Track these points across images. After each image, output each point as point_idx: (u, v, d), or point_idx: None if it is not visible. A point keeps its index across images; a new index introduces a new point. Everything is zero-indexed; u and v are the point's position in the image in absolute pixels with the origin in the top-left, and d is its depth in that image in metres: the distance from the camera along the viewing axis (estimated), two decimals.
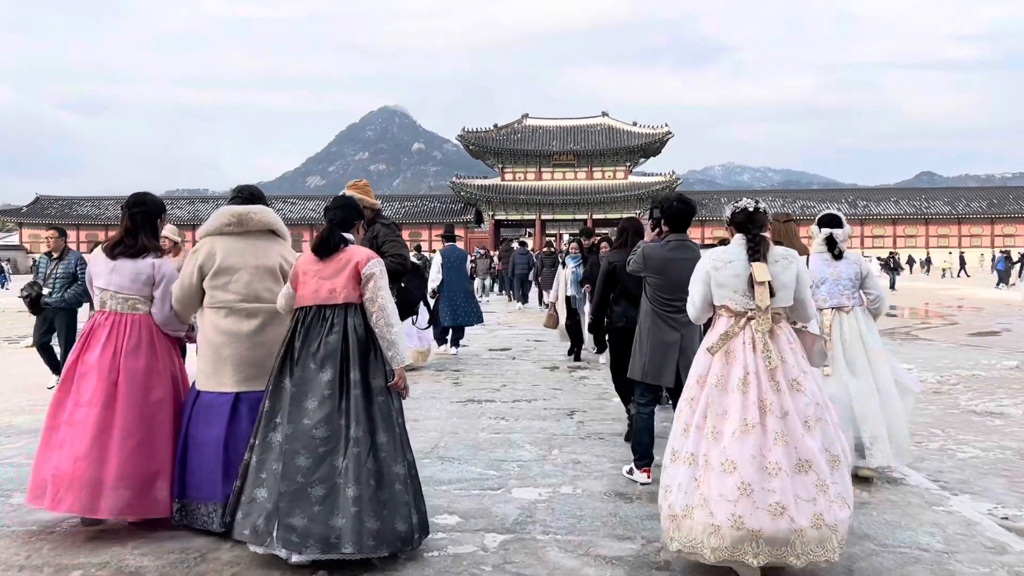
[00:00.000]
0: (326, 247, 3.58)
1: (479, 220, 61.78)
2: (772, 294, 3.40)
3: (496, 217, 61.21)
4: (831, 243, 4.99)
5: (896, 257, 39.07)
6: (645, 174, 63.42)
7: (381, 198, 79.82)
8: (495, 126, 64.62)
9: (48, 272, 7.67)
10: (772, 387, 3.31)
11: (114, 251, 3.97)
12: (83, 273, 6.83)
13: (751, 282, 3.40)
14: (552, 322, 10.57)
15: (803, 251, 5.37)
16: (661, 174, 62.12)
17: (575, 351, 10.43)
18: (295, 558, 3.34)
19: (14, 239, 65.40)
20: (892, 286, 31.84)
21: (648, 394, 4.81)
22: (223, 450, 3.70)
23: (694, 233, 58.72)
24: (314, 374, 3.45)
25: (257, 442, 3.54)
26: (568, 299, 10.15)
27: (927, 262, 53.43)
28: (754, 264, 3.38)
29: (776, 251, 3.53)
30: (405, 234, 55.65)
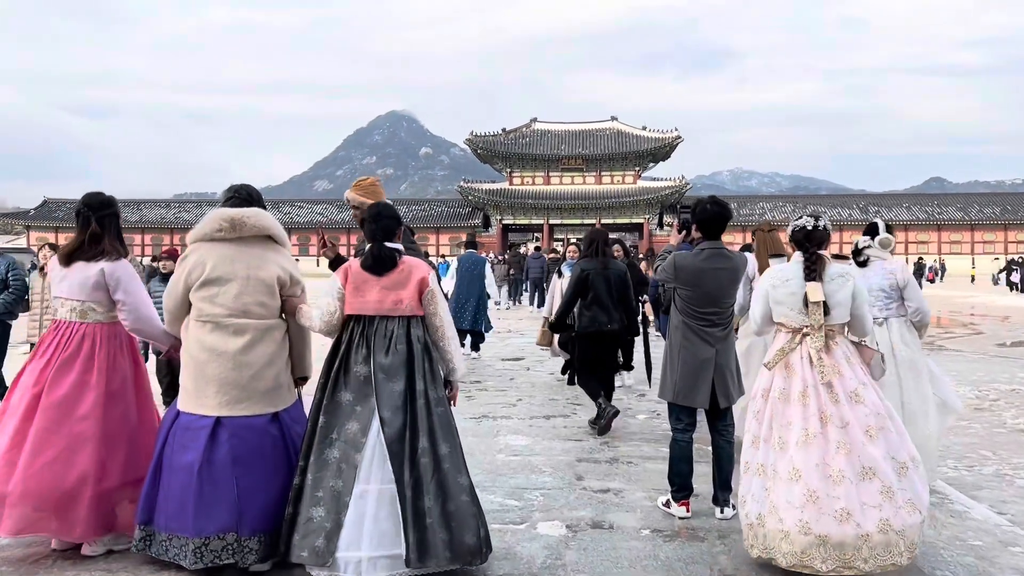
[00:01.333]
0: (383, 265, 3.48)
1: (487, 224, 61.72)
2: (827, 312, 3.55)
3: (504, 221, 61.14)
4: (856, 251, 5.06)
5: (923, 264, 38.92)
6: (654, 178, 63.21)
7: (389, 202, 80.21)
8: (503, 130, 64.72)
9: None
10: (831, 399, 3.47)
11: (71, 258, 3.73)
12: (16, 279, 6.45)
13: (807, 300, 3.54)
14: (546, 339, 8.87)
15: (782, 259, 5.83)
16: (670, 179, 61.77)
17: (571, 372, 8.91)
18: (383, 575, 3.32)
19: (22, 242, 66.07)
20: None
21: (684, 418, 4.36)
22: (196, 479, 3.37)
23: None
24: (384, 384, 3.38)
25: (311, 461, 3.39)
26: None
27: (942, 269, 53.07)
28: (808, 284, 3.54)
29: (833, 269, 3.66)
30: (416, 239, 55.31)
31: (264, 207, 3.79)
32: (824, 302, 3.52)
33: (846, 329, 3.74)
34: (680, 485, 4.31)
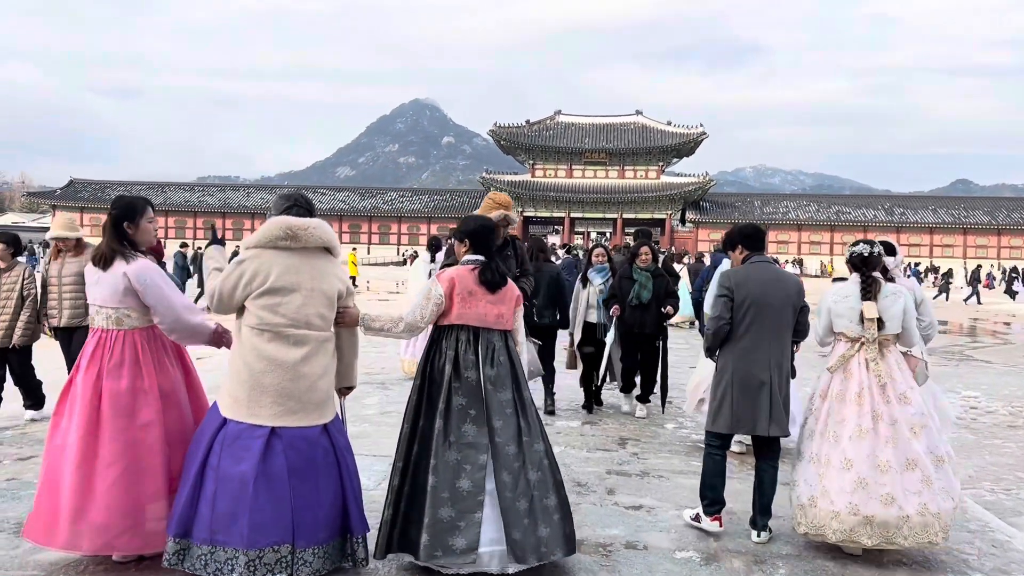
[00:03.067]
0: (501, 283, 3.68)
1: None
2: (881, 326, 4.09)
3: (525, 214, 60.91)
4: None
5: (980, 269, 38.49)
6: (678, 174, 62.96)
7: (410, 191, 78.83)
8: (527, 122, 64.84)
9: None
10: (883, 400, 4.00)
11: (96, 262, 3.69)
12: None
13: (863, 317, 4.10)
14: (575, 362, 7.50)
15: None
16: (694, 175, 61.57)
17: (590, 399, 7.42)
18: (510, 570, 3.43)
19: (47, 221, 66.88)
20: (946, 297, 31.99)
21: (719, 437, 4.32)
22: (252, 489, 3.28)
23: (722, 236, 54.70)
24: (492, 394, 3.55)
25: (433, 460, 3.48)
26: (591, 327, 7.26)
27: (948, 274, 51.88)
28: (865, 303, 4.08)
29: (887, 287, 4.17)
30: (433, 228, 53.66)
31: (313, 213, 3.75)
32: (878, 318, 4.09)
33: (897, 338, 4.29)
34: (712, 499, 4.32)
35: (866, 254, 4.19)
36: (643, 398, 7.35)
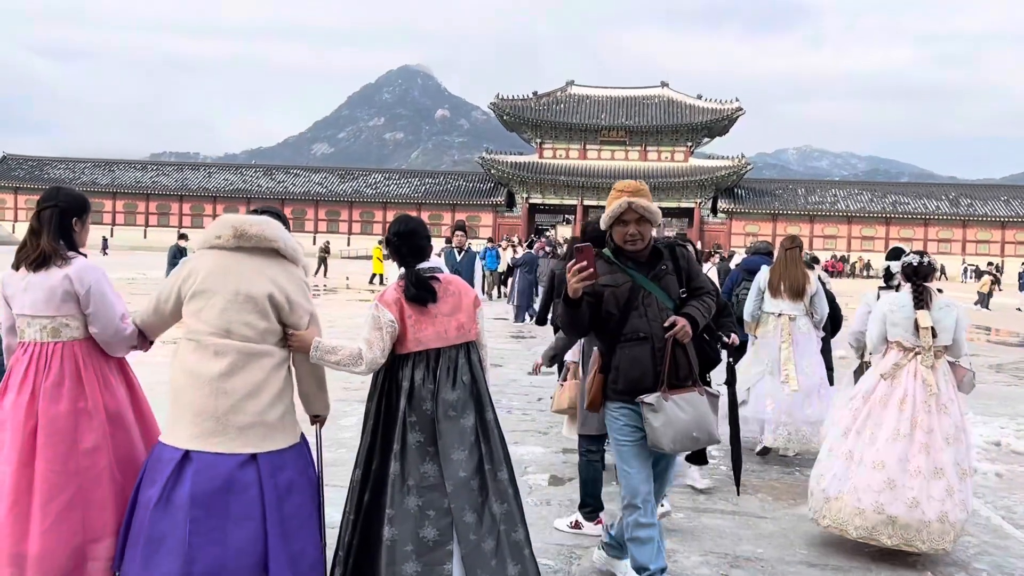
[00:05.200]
0: (426, 300, 3.60)
1: (511, 204, 62.84)
2: (934, 335, 4.80)
3: (531, 201, 62.16)
4: (888, 275, 6.27)
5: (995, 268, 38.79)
6: (709, 156, 64.76)
7: (397, 172, 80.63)
8: (534, 94, 65.96)
9: None
10: (924, 409, 4.72)
11: (22, 264, 3.70)
12: None
13: (917, 325, 4.83)
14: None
15: (800, 280, 6.84)
16: (727, 157, 62.66)
17: None
18: None
19: None
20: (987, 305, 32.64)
21: (599, 443, 5.19)
22: (149, 518, 3.34)
23: (765, 228, 53.33)
24: (451, 422, 3.59)
25: (390, 506, 3.55)
26: None
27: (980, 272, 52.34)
28: (918, 312, 4.82)
29: (940, 299, 4.93)
30: (424, 216, 54.70)
31: (288, 228, 3.83)
32: (932, 328, 4.81)
33: (947, 349, 5.03)
34: (595, 506, 5.14)
35: (916, 264, 4.93)
36: (698, 459, 7.90)
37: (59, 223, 3.70)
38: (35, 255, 3.66)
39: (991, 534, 5.45)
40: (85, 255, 3.83)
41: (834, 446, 4.99)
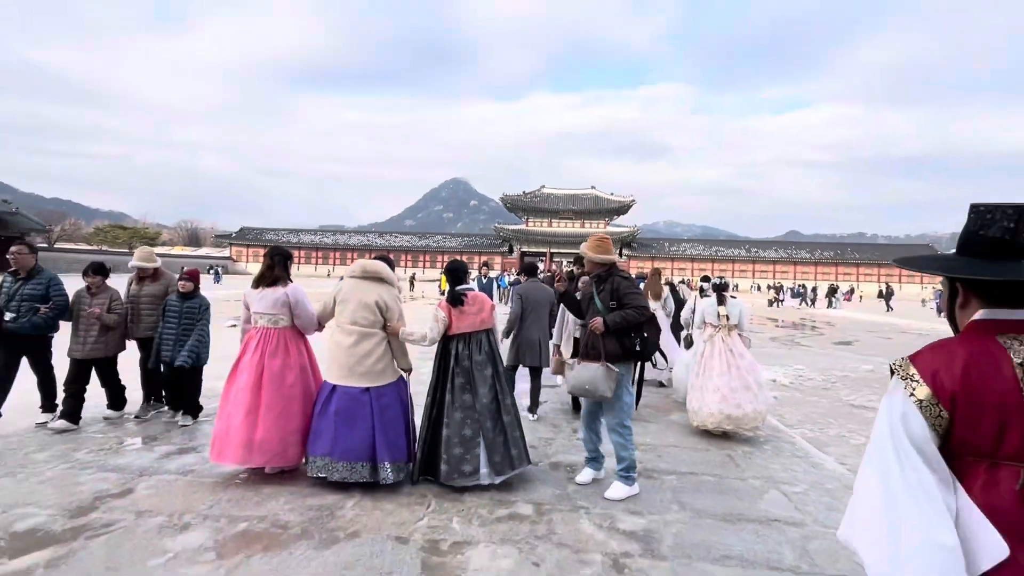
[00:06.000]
0: (459, 301, 4.00)
1: (511, 251, 69.42)
2: (728, 319, 5.67)
3: (522, 250, 67.86)
4: (702, 290, 7.23)
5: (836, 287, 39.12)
6: (618, 225, 69.64)
7: (449, 235, 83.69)
8: (524, 192, 71.96)
9: (12, 293, 5.24)
10: (730, 356, 5.56)
11: (257, 284, 4.11)
12: (58, 295, 5.28)
13: (719, 314, 5.69)
14: (562, 368, 6.41)
15: (657, 290, 7.88)
16: (627, 226, 68.61)
17: (576, 402, 6.60)
18: (496, 480, 3.80)
19: (226, 252, 74.88)
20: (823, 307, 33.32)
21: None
22: (315, 420, 4.03)
23: (647, 266, 64.00)
24: (479, 372, 3.91)
25: (446, 419, 3.84)
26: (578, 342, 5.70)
27: (814, 290, 47.21)
28: (719, 307, 5.76)
29: (731, 300, 5.80)
30: (464, 258, 54.49)
31: (392, 265, 4.24)
32: (727, 315, 5.63)
33: (735, 327, 5.60)
34: (534, 404, 5.90)
35: (717, 283, 5.94)
36: None
37: (283, 264, 4.22)
38: (270, 280, 4.14)
39: (771, 429, 5.99)
40: (292, 280, 4.22)
41: (692, 383, 5.58)
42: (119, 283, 6.00)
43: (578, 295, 4.37)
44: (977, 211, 1.53)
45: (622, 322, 3.88)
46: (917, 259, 1.65)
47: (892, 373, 1.53)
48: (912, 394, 1.48)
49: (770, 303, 36.52)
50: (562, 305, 5.32)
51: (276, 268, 4.27)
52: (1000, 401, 1.41)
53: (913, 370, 1.50)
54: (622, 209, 71.77)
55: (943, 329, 19.27)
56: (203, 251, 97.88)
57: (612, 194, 73.22)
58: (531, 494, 3.96)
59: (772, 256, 71.68)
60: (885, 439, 1.48)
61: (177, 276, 5.45)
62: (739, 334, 6.01)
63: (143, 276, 5.86)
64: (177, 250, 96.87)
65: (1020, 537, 1.38)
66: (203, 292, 5.83)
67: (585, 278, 4.34)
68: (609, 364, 3.91)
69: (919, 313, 32.48)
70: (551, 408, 6.60)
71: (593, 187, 75.40)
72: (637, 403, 4.78)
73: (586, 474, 4.23)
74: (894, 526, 1.41)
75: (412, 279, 42.88)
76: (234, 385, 4.12)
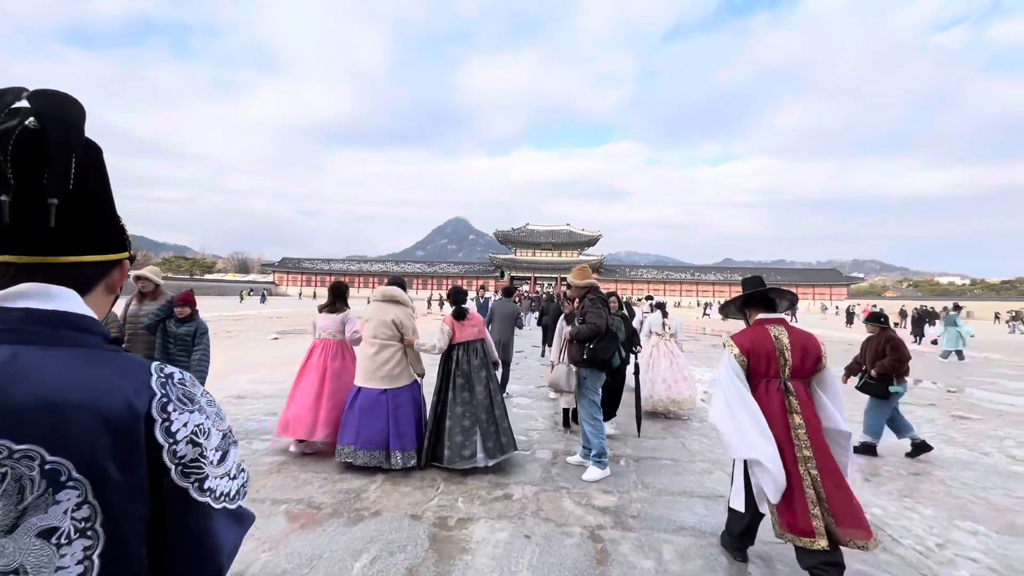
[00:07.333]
0: (464, 316, 4.01)
1: (502, 276, 69.07)
2: (670, 329, 5.89)
3: (511, 275, 67.49)
4: (652, 307, 7.09)
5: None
6: (588, 254, 70.37)
7: (452, 263, 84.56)
8: (512, 228, 72.64)
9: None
10: (672, 355, 5.85)
11: (322, 310, 4.31)
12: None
13: (664, 325, 5.93)
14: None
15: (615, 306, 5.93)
16: (596, 255, 68.80)
17: (567, 418, 5.28)
18: (490, 463, 3.70)
19: (270, 278, 74.27)
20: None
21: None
22: (345, 415, 3.95)
23: (611, 288, 62.70)
24: (476, 374, 3.88)
25: (449, 413, 3.76)
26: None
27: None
28: (664, 319, 5.96)
29: (673, 315, 6.07)
30: (463, 283, 58.04)
31: (404, 287, 4.33)
32: (670, 326, 5.85)
33: (674, 336, 5.86)
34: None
35: (662, 303, 6.30)
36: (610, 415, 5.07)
37: (342, 296, 4.46)
38: (331, 306, 4.33)
39: (702, 411, 6.12)
40: (348, 307, 4.40)
41: (644, 378, 5.60)
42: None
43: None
44: (753, 289, 3.05)
45: (578, 334, 3.96)
46: (735, 299, 3.09)
47: (724, 345, 2.73)
48: (733, 353, 2.66)
49: (701, 316, 38.06)
50: (558, 326, 5.43)
51: (337, 301, 4.53)
52: (767, 352, 2.62)
53: (732, 342, 2.69)
54: (591, 241, 72.38)
55: (855, 336, 20.41)
56: (251, 276, 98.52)
57: (583, 229, 74.86)
58: (521, 477, 3.95)
59: (711, 279, 72.38)
60: (728, 372, 2.65)
61: (170, 298, 4.48)
62: (676, 341, 6.32)
63: (144, 293, 4.83)
64: (230, 276, 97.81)
65: (777, 418, 2.62)
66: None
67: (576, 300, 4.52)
68: (572, 365, 4.03)
69: (831, 322, 33.40)
70: (543, 415, 6.48)
71: (568, 224, 76.04)
72: (639, 428, 5.21)
73: (577, 458, 4.32)
74: (733, 411, 2.59)
75: (429, 300, 43.78)
76: (303, 380, 4.22)
